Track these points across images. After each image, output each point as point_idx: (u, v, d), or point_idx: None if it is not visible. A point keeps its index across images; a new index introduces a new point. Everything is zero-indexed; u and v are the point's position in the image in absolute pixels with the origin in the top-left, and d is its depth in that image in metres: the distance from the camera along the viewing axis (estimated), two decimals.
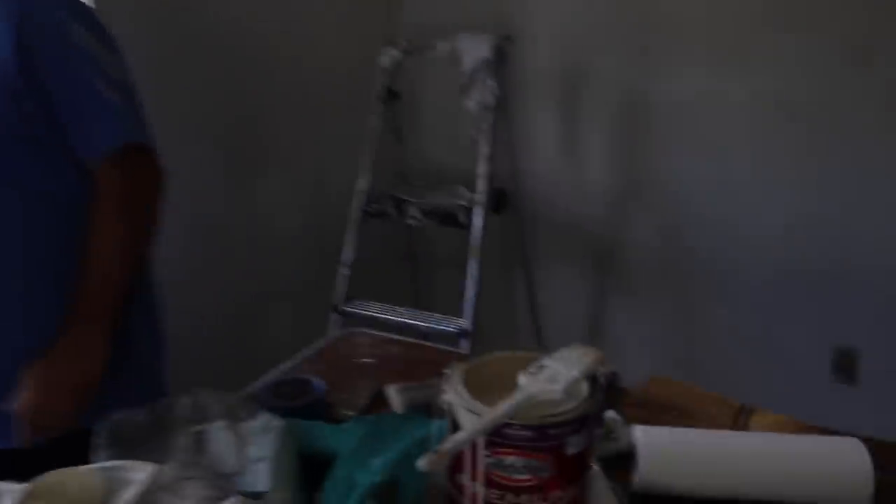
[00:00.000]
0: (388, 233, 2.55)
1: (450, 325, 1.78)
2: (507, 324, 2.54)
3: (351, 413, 1.00)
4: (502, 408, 0.65)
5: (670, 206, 2.21)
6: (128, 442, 0.84)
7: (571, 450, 0.67)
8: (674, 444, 0.83)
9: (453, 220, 1.81)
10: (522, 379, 0.70)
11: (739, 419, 0.93)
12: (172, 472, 0.78)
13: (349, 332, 1.29)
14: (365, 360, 1.18)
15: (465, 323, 1.77)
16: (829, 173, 1.99)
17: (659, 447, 0.82)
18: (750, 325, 2.15)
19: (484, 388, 0.73)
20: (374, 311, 1.88)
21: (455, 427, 0.69)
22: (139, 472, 0.76)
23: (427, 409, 0.99)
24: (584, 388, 0.71)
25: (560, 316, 2.41)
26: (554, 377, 0.70)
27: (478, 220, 1.79)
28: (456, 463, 0.69)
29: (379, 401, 1.05)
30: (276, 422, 0.86)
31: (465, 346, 1.76)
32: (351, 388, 1.07)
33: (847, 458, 0.80)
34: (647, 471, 0.81)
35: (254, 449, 0.82)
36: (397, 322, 1.85)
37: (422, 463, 0.58)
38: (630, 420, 0.93)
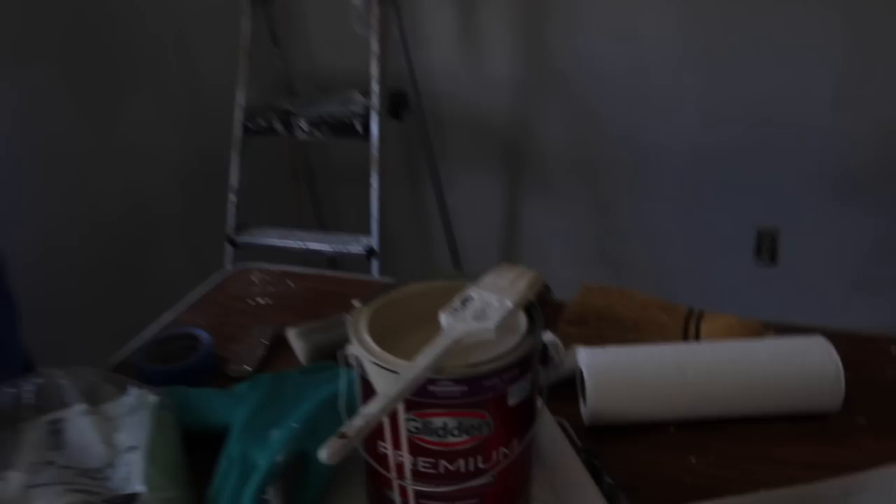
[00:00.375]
0: (279, 150, 2.33)
1: (356, 245, 1.63)
2: (421, 238, 2.41)
3: (247, 369, 0.85)
4: (422, 360, 0.51)
5: (580, 96, 2.09)
6: None
7: (514, 399, 0.55)
8: (625, 368, 0.72)
9: (348, 130, 1.63)
10: (444, 318, 0.57)
11: (690, 326, 0.83)
12: (15, 482, 0.62)
13: (239, 269, 1.12)
14: (260, 299, 1.02)
15: (372, 241, 1.62)
16: (742, 50, 1.90)
17: (608, 372, 0.72)
18: (671, 214, 2.09)
19: (397, 332, 0.59)
20: (272, 238, 1.70)
21: (366, 385, 0.55)
22: None
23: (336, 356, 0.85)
24: (522, 320, 0.58)
25: (474, 223, 2.30)
26: (483, 312, 0.57)
27: (374, 127, 1.61)
28: (375, 429, 0.56)
29: (281, 348, 0.90)
30: (150, 397, 0.70)
31: (375, 268, 1.62)
32: (246, 338, 0.91)
33: (814, 358, 0.72)
34: (597, 401, 0.71)
35: (123, 435, 0.66)
36: (299, 248, 1.68)
37: (323, 453, 0.44)
38: (568, 340, 0.82)
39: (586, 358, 0.73)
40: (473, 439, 0.54)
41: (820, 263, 1.98)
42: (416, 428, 0.54)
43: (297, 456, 0.61)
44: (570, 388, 0.77)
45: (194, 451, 0.68)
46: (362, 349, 0.54)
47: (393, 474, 0.57)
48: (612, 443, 0.71)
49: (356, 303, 1.04)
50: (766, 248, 1.97)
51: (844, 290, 1.96)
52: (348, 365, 0.57)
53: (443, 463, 0.55)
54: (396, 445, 0.55)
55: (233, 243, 1.73)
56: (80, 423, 0.67)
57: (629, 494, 0.63)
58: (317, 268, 1.17)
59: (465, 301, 0.59)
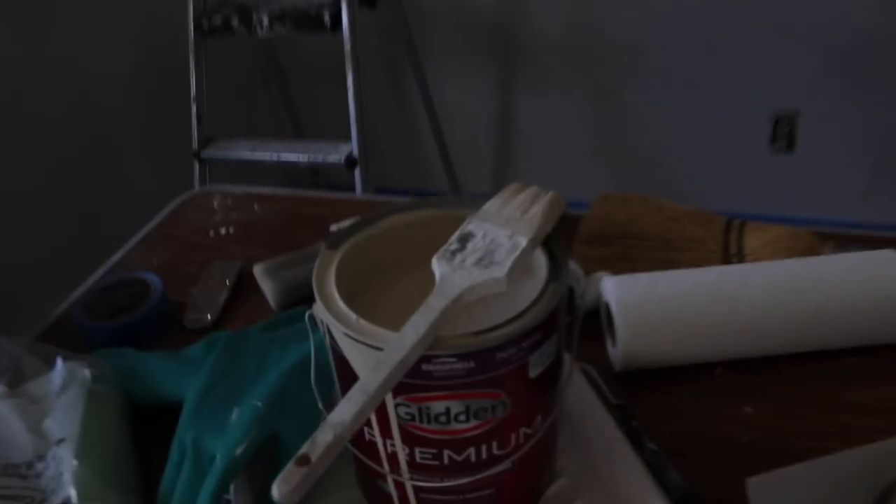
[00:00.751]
0: (246, 52, 2.12)
1: (335, 153, 1.47)
2: (408, 143, 2.24)
3: (207, 318, 0.71)
4: (411, 333, 0.37)
5: None
6: None
7: (537, 369, 0.42)
8: (662, 299, 0.59)
9: (314, 23, 1.42)
10: (439, 267, 0.43)
11: (730, 240, 0.70)
12: None
13: (197, 193, 0.96)
14: (222, 229, 0.87)
15: (352, 148, 1.45)
16: None
17: (642, 306, 0.58)
18: (679, 100, 1.92)
19: (377, 283, 0.45)
20: (243, 151, 1.53)
21: (340, 362, 0.42)
22: None
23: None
24: (541, 259, 0.44)
25: (465, 122, 2.11)
26: (489, 254, 0.43)
27: (345, 18, 1.41)
28: None
29: (248, 289, 0.76)
30: (83, 371, 0.56)
31: (358, 180, 1.46)
32: (206, 279, 0.77)
33: (891, 277, 0.58)
34: (631, 343, 0.58)
35: (52, 422, 0.54)
36: (274, 161, 1.52)
37: (277, 490, 0.31)
38: (588, 265, 0.68)
39: (614, 289, 0.60)
40: (486, 423, 0.41)
41: (840, 150, 1.82)
42: (410, 415, 0.41)
43: (263, 443, 0.48)
44: (591, 322, 0.64)
45: (147, 430, 0.56)
46: (330, 315, 0.40)
47: (385, 467, 0.44)
48: (648, 393, 0.58)
49: (335, 228, 0.90)
50: (783, 134, 1.81)
51: (866, 179, 1.82)
52: (319, 327, 0.43)
53: (447, 453, 0.42)
54: (386, 433, 0.43)
55: (200, 159, 1.56)
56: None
57: (675, 461, 0.51)
58: (302, 187, 1.02)
59: (465, 239, 0.44)
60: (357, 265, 0.46)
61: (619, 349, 0.58)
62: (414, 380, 0.39)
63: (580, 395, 0.57)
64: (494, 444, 0.43)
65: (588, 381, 0.58)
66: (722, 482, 0.50)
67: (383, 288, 0.47)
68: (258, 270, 0.75)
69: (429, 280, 0.42)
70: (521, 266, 0.42)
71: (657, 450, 0.52)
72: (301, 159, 1.48)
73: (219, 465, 0.46)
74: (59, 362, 0.57)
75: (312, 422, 0.49)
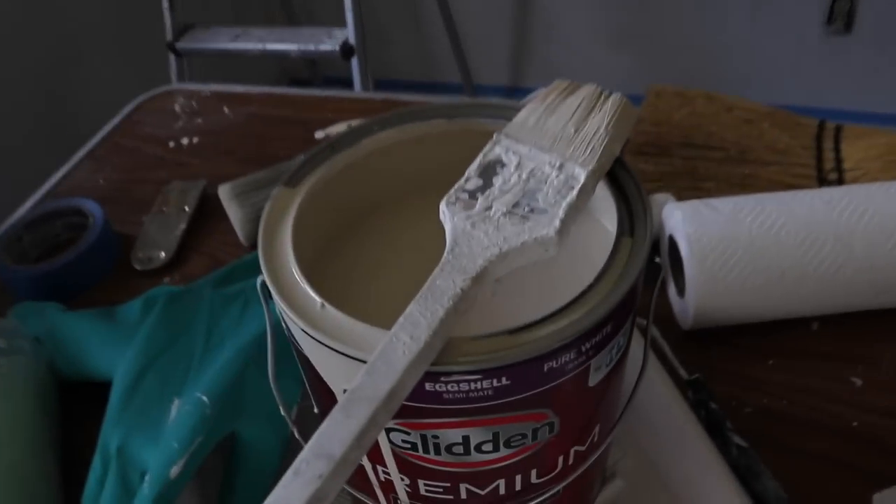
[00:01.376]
0: None
1: (329, 41, 1.28)
2: (413, 28, 2.01)
3: (161, 257, 0.57)
4: (406, 339, 0.23)
5: None
6: None
7: (601, 374, 0.27)
8: (746, 236, 0.44)
9: None
10: (450, 218, 0.27)
11: (825, 152, 0.54)
12: None
13: (158, 93, 0.80)
14: (184, 139, 0.72)
15: (347, 34, 1.26)
16: None
17: (720, 245, 0.43)
18: None
19: (360, 239, 0.31)
20: (223, 41, 1.35)
21: (306, 365, 0.28)
22: None
23: None
24: (607, 201, 0.29)
25: (477, 4, 1.88)
26: (529, 195, 0.28)
27: None
28: None
29: (212, 217, 0.61)
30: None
31: (356, 72, 1.28)
32: (161, 204, 0.62)
33: None
34: (705, 294, 0.43)
35: None
36: (259, 52, 1.33)
37: None
38: (644, 182, 0.53)
39: (684, 222, 0.45)
40: (523, 451, 0.28)
41: None
42: (409, 443, 0.27)
43: (213, 453, 0.35)
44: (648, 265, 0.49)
45: (80, 415, 0.43)
46: (282, 299, 0.26)
47: (381, 499, 0.31)
48: (724, 358, 0.45)
49: (320, 136, 0.74)
50: (840, 12, 1.58)
51: None
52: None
53: (465, 486, 0.29)
54: (376, 458, 0.29)
55: (175, 52, 1.37)
56: None
57: (765, 455, 0.38)
58: (297, 87, 0.85)
59: (490, 171, 0.29)
60: (328, 212, 0.31)
61: (690, 301, 0.44)
62: (414, 402, 0.25)
63: (639, 369, 0.43)
64: (534, 473, 0.29)
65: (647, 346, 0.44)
66: (832, 486, 0.37)
67: (369, 247, 0.32)
68: (224, 193, 0.60)
69: (437, 235, 0.28)
70: (578, 215, 0.27)
71: (747, 447, 0.38)
72: (290, 49, 1.29)
73: (147, 493, 0.33)
74: None
75: (281, 416, 0.36)
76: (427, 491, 0.29)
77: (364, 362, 0.23)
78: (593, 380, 0.27)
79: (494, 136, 0.30)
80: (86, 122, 0.97)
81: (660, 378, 0.42)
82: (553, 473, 0.30)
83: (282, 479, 0.20)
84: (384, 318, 0.25)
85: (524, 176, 0.28)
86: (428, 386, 0.24)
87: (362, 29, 1.29)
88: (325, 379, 0.26)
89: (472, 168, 0.29)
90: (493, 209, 0.27)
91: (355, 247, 0.32)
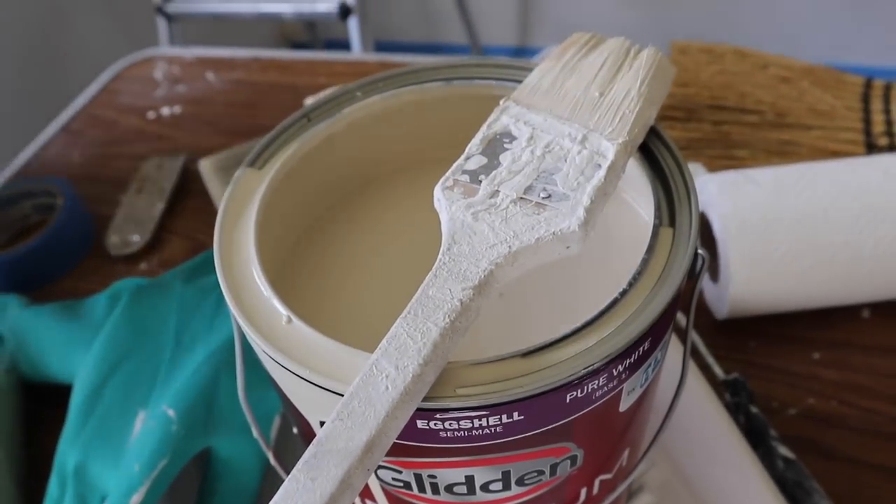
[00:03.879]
0: None
1: (325, 1, 1.21)
2: None
3: (136, 241, 0.52)
4: (389, 370, 0.18)
5: None
6: None
7: (636, 394, 0.22)
8: (793, 216, 0.38)
9: None
10: (445, 207, 0.22)
11: (873, 112, 0.48)
12: None
13: (137, 59, 0.74)
14: (165, 109, 0.66)
15: None
16: None
17: (764, 228, 0.38)
18: None
19: (337, 232, 0.26)
20: (214, 1, 1.28)
21: (279, 391, 0.23)
22: None
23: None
24: (640, 179, 0.24)
25: None
26: (545, 177, 0.22)
27: None
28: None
29: (194, 195, 0.56)
30: None
31: (354, 34, 1.21)
32: (139, 182, 0.57)
33: None
34: (746, 279, 0.38)
35: None
36: (252, 14, 1.27)
37: None
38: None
39: (720, 197, 0.39)
40: (540, 487, 0.23)
41: None
42: (401, 482, 0.22)
43: (187, 470, 0.30)
44: None
45: (47, 416, 0.39)
46: (239, 312, 0.21)
47: None
48: (765, 352, 0.39)
49: (312, 102, 0.69)
50: None
51: None
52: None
53: None
54: (367, 495, 0.24)
55: (165, 15, 1.30)
56: None
57: (814, 466, 0.33)
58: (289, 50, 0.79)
59: (497, 147, 0.23)
60: (300, 197, 0.26)
61: (726, 288, 0.39)
62: (403, 440, 0.20)
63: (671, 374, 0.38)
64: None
65: (680, 340, 0.39)
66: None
67: (348, 242, 0.27)
68: (205, 168, 0.55)
69: (430, 224, 0.22)
70: (606, 201, 0.22)
71: (794, 460, 0.33)
72: (284, 10, 1.22)
73: None
74: None
75: (250, 443, 0.31)
76: None
77: (340, 395, 0.18)
78: (625, 404, 0.22)
79: (501, 103, 0.25)
80: (65, 92, 0.92)
81: (692, 377, 0.37)
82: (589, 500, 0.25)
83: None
84: (367, 330, 0.20)
85: (538, 152, 0.23)
86: (420, 423, 0.19)
87: None
88: (297, 408, 0.21)
89: (474, 143, 0.24)
90: (501, 195, 0.22)
91: (331, 241, 0.27)
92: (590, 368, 0.19)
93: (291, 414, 0.24)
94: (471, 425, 0.19)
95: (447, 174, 0.23)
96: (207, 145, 0.59)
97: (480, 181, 0.22)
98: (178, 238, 0.52)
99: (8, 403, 0.38)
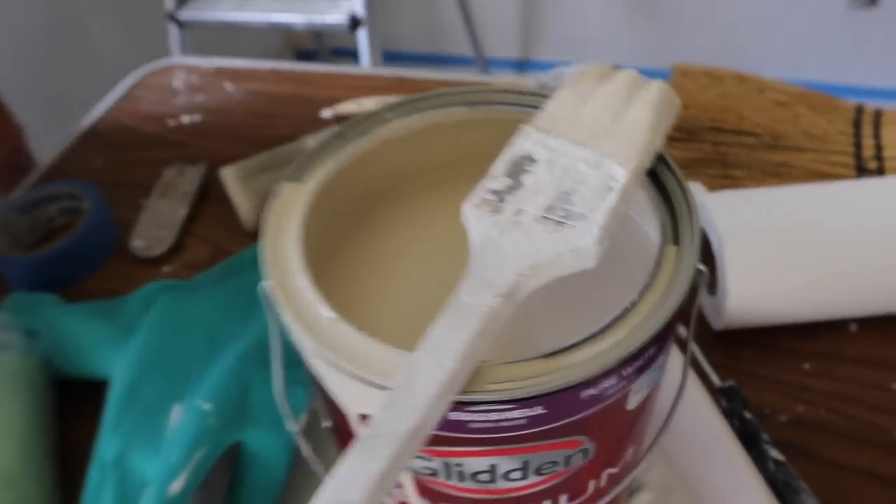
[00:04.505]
0: None
1: (335, 12, 1.24)
2: (428, 3, 1.95)
3: (161, 243, 0.54)
4: (429, 367, 0.20)
5: None
6: None
7: (642, 394, 0.25)
8: (788, 234, 0.41)
9: None
10: (475, 223, 0.25)
11: (864, 136, 0.50)
12: None
13: (157, 68, 0.77)
14: (184, 117, 0.69)
15: (355, 4, 1.22)
16: None
17: (760, 245, 0.41)
18: None
19: (364, 240, 0.28)
20: (225, 11, 1.30)
21: (311, 374, 0.25)
22: None
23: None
24: (646, 203, 0.27)
25: None
26: (563, 197, 0.25)
27: None
28: (342, 440, 0.27)
29: (215, 201, 0.59)
30: None
31: (364, 45, 1.23)
32: (162, 187, 0.60)
33: None
34: (742, 291, 0.41)
35: None
36: (264, 24, 1.29)
37: None
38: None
39: (716, 214, 0.42)
40: (553, 477, 0.25)
41: None
42: (430, 469, 0.25)
43: (217, 463, 0.33)
44: None
45: (79, 415, 0.41)
46: (292, 316, 0.23)
47: None
48: (759, 362, 0.42)
49: (327, 115, 0.71)
50: None
51: None
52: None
53: None
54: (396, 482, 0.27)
55: (177, 22, 1.33)
56: None
57: (805, 471, 0.36)
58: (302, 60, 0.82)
59: (520, 169, 0.26)
60: (335, 210, 0.29)
61: (723, 301, 0.41)
62: (438, 431, 0.22)
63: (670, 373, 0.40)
64: (563, 499, 0.27)
65: (678, 349, 0.41)
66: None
67: (378, 249, 0.29)
68: (228, 176, 0.57)
69: (454, 234, 0.25)
70: (618, 221, 0.25)
71: (784, 462, 0.36)
72: (296, 21, 1.25)
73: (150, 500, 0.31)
74: None
75: (283, 435, 0.33)
76: None
77: (382, 387, 0.21)
78: (632, 403, 0.24)
79: (523, 128, 0.27)
80: (82, 96, 0.94)
81: (691, 384, 0.39)
82: (583, 497, 0.28)
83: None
84: (399, 332, 0.23)
85: (557, 174, 0.26)
86: (453, 415, 0.21)
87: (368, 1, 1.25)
88: (337, 401, 0.24)
89: (499, 165, 0.26)
90: (524, 213, 0.24)
91: (363, 248, 0.29)
92: (604, 369, 0.21)
93: (328, 408, 0.26)
94: (498, 417, 0.21)
95: (475, 193, 0.25)
96: (227, 153, 0.61)
97: (505, 200, 0.25)
98: (200, 242, 0.55)
99: (45, 398, 0.41)
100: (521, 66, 1.91)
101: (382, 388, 0.21)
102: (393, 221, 0.30)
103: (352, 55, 1.34)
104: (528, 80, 0.67)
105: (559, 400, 0.21)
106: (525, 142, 0.27)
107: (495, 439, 0.22)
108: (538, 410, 0.21)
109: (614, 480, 0.28)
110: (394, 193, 0.31)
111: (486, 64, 1.85)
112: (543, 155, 0.26)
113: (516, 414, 0.21)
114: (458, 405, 0.21)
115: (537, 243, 0.23)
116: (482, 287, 0.22)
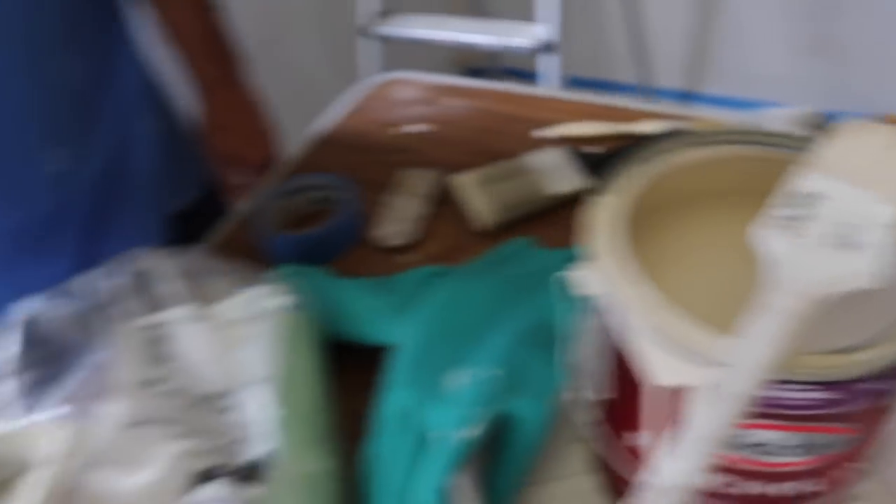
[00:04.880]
0: None
1: (523, 36, 1.31)
2: (592, 23, 2.01)
3: (403, 234, 0.63)
4: (758, 346, 0.26)
5: None
6: (50, 356, 0.51)
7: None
8: None
9: None
10: (774, 242, 0.30)
11: None
12: (111, 419, 0.46)
13: (384, 80, 0.87)
14: (410, 127, 0.78)
15: (547, 30, 1.28)
16: None
17: None
18: None
19: (648, 255, 0.34)
20: (417, 28, 1.41)
21: (611, 350, 0.31)
22: (50, 441, 0.43)
23: (530, 215, 0.63)
24: None
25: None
26: (847, 229, 0.30)
27: None
28: (624, 412, 0.33)
29: (445, 204, 0.67)
30: (282, 297, 0.50)
31: (554, 73, 1.30)
32: (397, 188, 0.68)
33: None
34: None
35: (245, 354, 0.48)
36: (452, 42, 1.39)
37: None
38: None
39: None
40: (815, 460, 0.30)
41: None
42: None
43: (497, 424, 0.40)
44: None
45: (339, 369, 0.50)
46: (632, 302, 0.30)
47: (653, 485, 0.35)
48: None
49: (540, 136, 0.78)
50: None
51: None
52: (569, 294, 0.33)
53: (751, 484, 0.32)
54: None
55: (368, 34, 1.45)
56: (187, 332, 0.49)
57: None
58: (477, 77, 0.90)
59: (810, 203, 0.31)
60: (635, 214, 0.35)
61: None
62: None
63: None
64: (810, 483, 0.32)
65: None
66: None
67: (668, 250, 0.35)
68: (467, 183, 0.65)
69: (731, 252, 0.31)
70: (893, 250, 0.29)
71: None
72: (484, 42, 1.34)
73: (452, 446, 0.38)
74: (254, 282, 0.51)
75: (547, 397, 0.40)
76: (715, 485, 0.33)
77: (705, 363, 0.27)
78: (886, 401, 0.29)
79: (805, 169, 0.33)
80: (287, 103, 1.06)
81: None
82: (822, 485, 0.32)
83: (666, 461, 0.24)
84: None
85: (841, 210, 0.31)
86: (768, 391, 0.27)
87: (562, 23, 1.30)
88: (640, 374, 0.30)
89: (785, 194, 0.32)
90: (812, 238, 0.30)
91: (654, 248, 0.35)
92: (877, 371, 0.26)
93: (617, 382, 0.33)
94: (800, 395, 0.27)
95: (766, 218, 0.31)
96: (455, 161, 0.69)
97: (793, 226, 0.30)
98: (435, 239, 0.63)
99: (326, 359, 0.49)
100: (686, 97, 1.93)
101: (706, 363, 0.27)
102: (676, 228, 0.37)
103: (525, 76, 1.41)
104: (731, 119, 0.72)
105: (847, 389, 0.27)
106: (812, 181, 0.32)
107: (790, 416, 0.28)
108: (831, 394, 0.27)
109: (855, 473, 0.33)
110: (677, 206, 0.37)
111: (652, 94, 1.87)
112: (832, 193, 0.32)
113: (812, 396, 0.27)
114: (773, 383, 0.27)
115: (823, 263, 0.29)
116: (784, 295, 0.28)
